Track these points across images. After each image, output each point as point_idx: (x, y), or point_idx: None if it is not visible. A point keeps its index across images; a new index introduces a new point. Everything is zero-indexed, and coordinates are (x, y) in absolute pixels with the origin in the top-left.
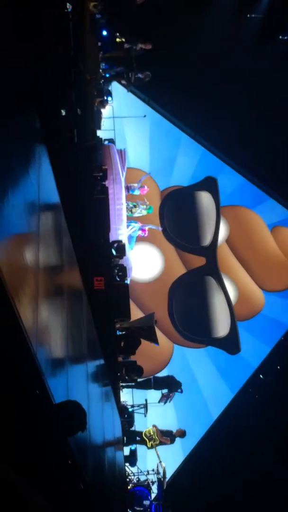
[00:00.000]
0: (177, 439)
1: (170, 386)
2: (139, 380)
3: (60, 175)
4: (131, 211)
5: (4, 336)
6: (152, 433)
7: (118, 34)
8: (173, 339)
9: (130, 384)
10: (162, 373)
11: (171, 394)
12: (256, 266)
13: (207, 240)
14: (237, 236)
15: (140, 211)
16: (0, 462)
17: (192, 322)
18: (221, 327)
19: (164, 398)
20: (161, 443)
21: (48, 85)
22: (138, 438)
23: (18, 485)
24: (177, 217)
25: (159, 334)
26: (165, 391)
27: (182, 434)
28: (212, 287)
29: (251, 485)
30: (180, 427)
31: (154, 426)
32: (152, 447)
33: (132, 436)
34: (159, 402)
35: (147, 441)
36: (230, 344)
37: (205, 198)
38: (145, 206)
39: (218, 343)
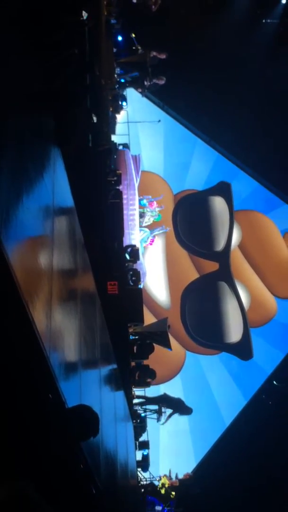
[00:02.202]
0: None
1: (178, 408)
2: (150, 396)
3: (75, 179)
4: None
5: (18, 340)
6: (164, 482)
7: (134, 35)
8: (186, 345)
9: (141, 395)
10: (176, 380)
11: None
12: (269, 272)
13: (220, 245)
14: (250, 241)
15: (148, 219)
16: (19, 476)
17: (204, 328)
18: (234, 333)
19: (168, 418)
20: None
21: (64, 90)
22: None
23: (39, 504)
24: (190, 222)
25: (172, 340)
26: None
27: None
28: (225, 293)
29: (264, 492)
30: (188, 472)
31: (165, 476)
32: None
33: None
34: (162, 423)
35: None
36: (243, 350)
37: (218, 203)
38: (154, 214)
39: (231, 349)
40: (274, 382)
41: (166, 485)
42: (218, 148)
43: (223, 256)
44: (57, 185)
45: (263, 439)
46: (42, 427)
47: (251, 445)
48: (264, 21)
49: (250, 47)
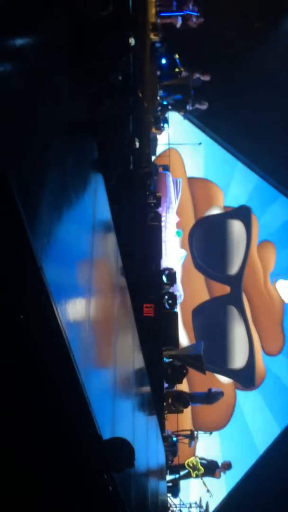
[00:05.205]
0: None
1: (209, 398)
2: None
3: (115, 201)
4: None
5: (53, 366)
6: (195, 463)
7: (178, 56)
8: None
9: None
10: None
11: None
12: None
13: (234, 269)
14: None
15: None
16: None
17: (209, 351)
18: (239, 359)
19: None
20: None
21: (107, 114)
22: (182, 473)
23: None
24: (206, 244)
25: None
26: None
27: (228, 466)
28: (233, 317)
29: None
30: (225, 459)
31: (196, 456)
32: (197, 476)
33: (175, 470)
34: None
35: (191, 472)
36: (246, 377)
37: (236, 227)
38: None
39: (234, 375)
40: None
41: (199, 470)
42: (259, 172)
43: (235, 280)
44: (97, 209)
45: None
46: (76, 456)
47: (285, 474)
48: None
49: None
